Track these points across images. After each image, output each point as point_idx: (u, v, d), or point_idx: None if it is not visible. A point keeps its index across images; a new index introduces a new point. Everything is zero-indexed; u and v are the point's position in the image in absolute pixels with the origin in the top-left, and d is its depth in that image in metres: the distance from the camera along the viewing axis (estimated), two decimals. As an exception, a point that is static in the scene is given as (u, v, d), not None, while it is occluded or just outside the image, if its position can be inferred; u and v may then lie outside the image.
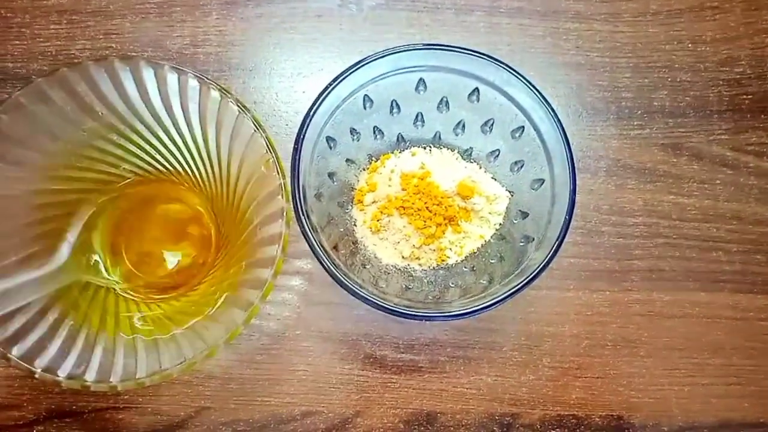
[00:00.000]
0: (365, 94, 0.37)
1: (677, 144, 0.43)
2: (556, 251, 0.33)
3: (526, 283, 0.33)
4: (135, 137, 0.36)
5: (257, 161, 0.32)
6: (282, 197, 0.31)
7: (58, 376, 0.30)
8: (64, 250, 0.36)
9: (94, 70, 0.31)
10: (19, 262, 0.32)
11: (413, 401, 0.40)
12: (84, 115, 0.33)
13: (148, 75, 0.32)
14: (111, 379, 0.30)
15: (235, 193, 0.36)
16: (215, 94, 0.32)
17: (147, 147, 0.37)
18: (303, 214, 0.33)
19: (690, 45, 0.44)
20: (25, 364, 0.30)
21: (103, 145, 0.35)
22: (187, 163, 0.38)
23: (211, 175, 0.38)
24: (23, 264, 0.33)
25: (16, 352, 0.30)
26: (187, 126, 0.35)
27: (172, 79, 0.32)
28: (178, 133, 0.36)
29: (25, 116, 0.31)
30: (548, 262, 0.33)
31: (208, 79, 0.31)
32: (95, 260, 0.38)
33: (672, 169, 0.42)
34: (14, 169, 0.32)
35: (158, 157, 0.37)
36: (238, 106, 0.32)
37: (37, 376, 0.30)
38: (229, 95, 0.32)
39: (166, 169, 0.38)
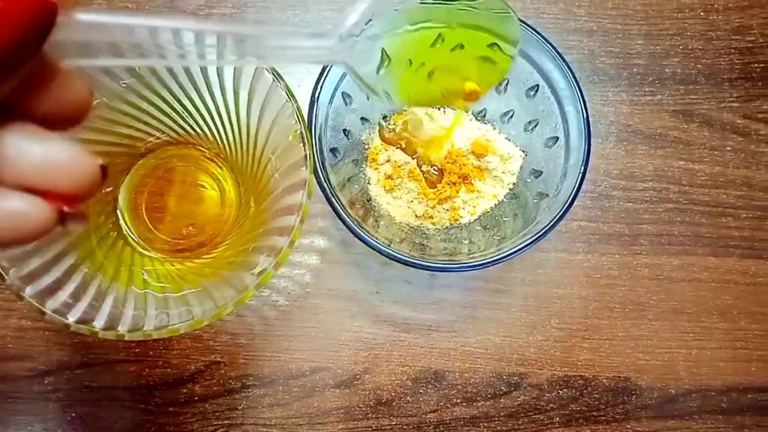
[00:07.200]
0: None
1: (688, 111, 0.43)
2: (569, 206, 0.34)
3: (537, 239, 0.34)
4: (168, 96, 0.36)
5: (285, 131, 0.32)
6: (306, 168, 0.31)
7: (67, 319, 0.30)
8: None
9: None
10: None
11: (421, 359, 0.40)
12: (124, 70, 0.33)
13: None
14: (119, 328, 0.30)
15: (260, 161, 0.36)
16: None
17: (178, 107, 0.37)
18: (320, 166, 0.33)
19: (702, 13, 0.44)
20: (37, 304, 0.30)
21: (137, 101, 0.35)
22: (216, 127, 0.38)
23: (237, 141, 0.38)
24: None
25: (29, 291, 0.30)
26: (221, 90, 0.35)
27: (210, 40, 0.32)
28: (211, 96, 0.35)
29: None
30: (561, 217, 0.34)
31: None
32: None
33: (682, 136, 0.43)
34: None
35: (188, 119, 0.37)
36: (273, 74, 0.32)
37: (46, 317, 0.30)
38: None
39: (194, 131, 0.38)
